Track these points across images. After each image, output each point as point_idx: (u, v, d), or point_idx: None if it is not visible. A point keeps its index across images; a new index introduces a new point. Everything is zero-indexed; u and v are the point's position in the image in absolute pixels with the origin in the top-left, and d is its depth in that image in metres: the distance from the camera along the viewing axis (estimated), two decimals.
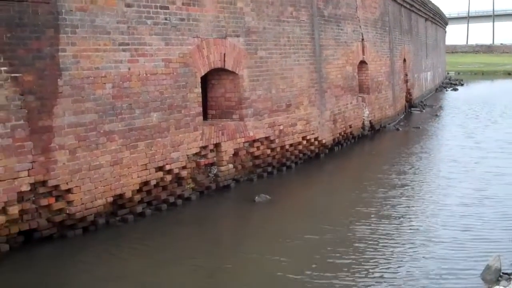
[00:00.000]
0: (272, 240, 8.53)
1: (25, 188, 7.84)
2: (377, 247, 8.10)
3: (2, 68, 7.58)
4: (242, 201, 10.60)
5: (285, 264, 7.55)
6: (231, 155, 11.47)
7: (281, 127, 12.98)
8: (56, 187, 8.24)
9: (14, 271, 7.35)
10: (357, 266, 7.40)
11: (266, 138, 12.49)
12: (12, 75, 7.66)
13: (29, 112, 7.84)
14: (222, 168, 11.24)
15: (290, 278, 7.08)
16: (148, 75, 9.58)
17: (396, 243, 8.29)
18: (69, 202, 8.41)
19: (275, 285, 6.98)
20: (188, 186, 10.60)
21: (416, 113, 25.46)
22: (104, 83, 8.84)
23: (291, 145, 13.39)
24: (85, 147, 8.57)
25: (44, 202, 8.13)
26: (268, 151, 12.62)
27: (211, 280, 7.17)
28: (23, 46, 7.79)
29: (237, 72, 11.63)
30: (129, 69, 9.22)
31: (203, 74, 10.85)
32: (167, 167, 9.95)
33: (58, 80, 8.20)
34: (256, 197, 10.46)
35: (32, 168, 7.90)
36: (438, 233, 8.69)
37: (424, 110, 26.37)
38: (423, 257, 7.69)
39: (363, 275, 7.15)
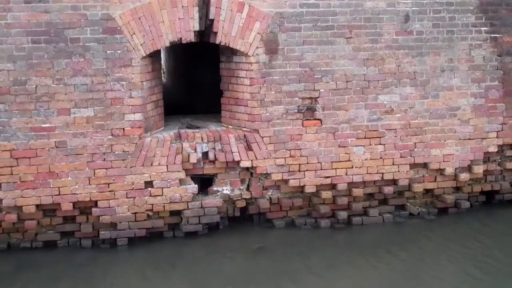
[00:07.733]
0: None
1: (492, 149, 7.88)
2: None
3: (483, 28, 7.66)
4: None
5: None
6: None
7: None
8: None
9: (476, 222, 7.59)
10: None
11: None
12: (492, 35, 7.68)
13: (504, 73, 7.79)
14: None
15: None
16: None
17: None
18: None
19: None
20: None
21: None
22: None
23: None
24: None
25: (509, 165, 8.05)
26: None
27: None
28: (505, 7, 7.72)
29: None
30: None
31: None
32: None
33: None
34: None
35: (502, 130, 7.87)
36: None
37: None
38: None
39: None
